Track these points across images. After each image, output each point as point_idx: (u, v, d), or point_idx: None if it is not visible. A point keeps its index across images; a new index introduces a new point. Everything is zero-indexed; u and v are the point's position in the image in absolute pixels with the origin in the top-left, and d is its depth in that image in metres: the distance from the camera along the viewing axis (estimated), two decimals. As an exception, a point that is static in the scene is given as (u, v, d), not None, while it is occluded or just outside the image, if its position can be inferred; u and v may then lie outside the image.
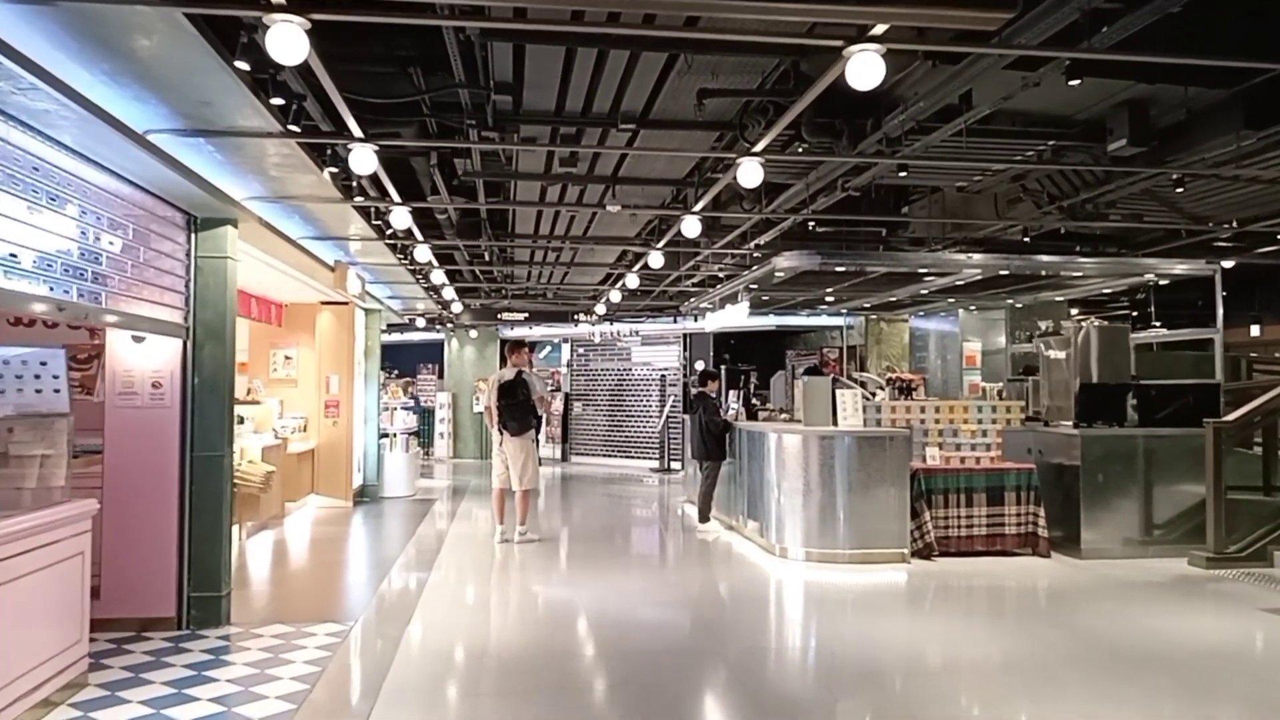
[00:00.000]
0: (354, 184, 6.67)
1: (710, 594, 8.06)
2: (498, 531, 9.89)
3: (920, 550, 8.92)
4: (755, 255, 10.21)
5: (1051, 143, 6.86)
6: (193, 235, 6.39)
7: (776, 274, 9.52)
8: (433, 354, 23.07)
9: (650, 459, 19.04)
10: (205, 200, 6.07)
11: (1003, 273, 9.66)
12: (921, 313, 14.63)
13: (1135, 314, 15.52)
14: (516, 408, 9.55)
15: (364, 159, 5.28)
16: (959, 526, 9.15)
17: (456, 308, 15.08)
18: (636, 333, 19.77)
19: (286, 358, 12.97)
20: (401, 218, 7.14)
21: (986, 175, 7.72)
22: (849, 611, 7.30)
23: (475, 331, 21.30)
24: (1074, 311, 13.30)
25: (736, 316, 11.48)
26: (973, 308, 13.33)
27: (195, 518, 6.36)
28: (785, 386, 18.89)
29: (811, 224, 9.27)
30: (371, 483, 13.84)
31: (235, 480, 9.73)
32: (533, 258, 11.28)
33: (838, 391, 9.41)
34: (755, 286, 10.70)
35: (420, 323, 18.17)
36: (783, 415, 11.20)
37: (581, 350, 21.15)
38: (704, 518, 10.72)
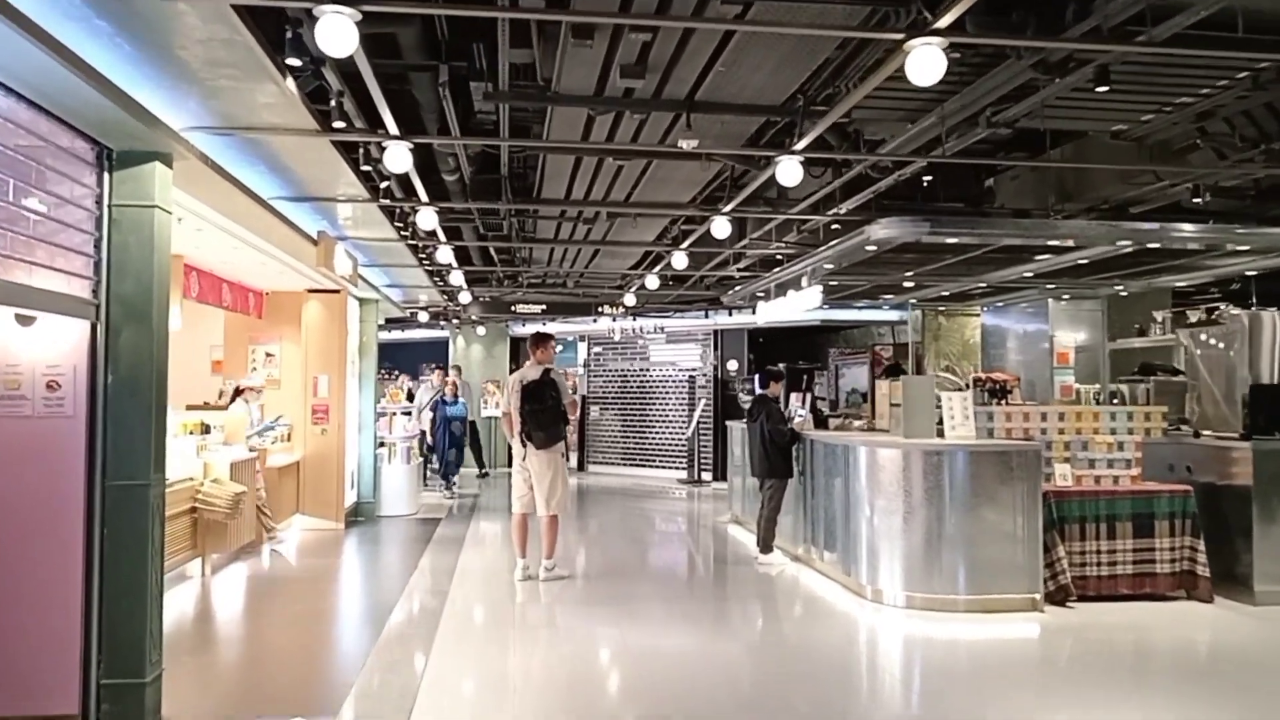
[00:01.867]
0: (331, 104, 4.82)
1: (792, 658, 6.18)
2: (519, 567, 8.05)
3: (1054, 593, 7.08)
4: (833, 227, 8.36)
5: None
6: (106, 175, 4.55)
7: (867, 248, 7.66)
8: (437, 353, 21.21)
9: (677, 469, 17.18)
10: (121, 123, 4.23)
11: (1152, 246, 7.78)
12: (1000, 303, 12.75)
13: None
14: (544, 414, 7.74)
15: (337, 33, 3.42)
16: (1099, 564, 7.31)
17: (465, 298, 13.22)
18: (661, 329, 17.91)
19: (268, 355, 11.13)
20: (399, 157, 5.28)
21: (1166, 111, 5.85)
22: (975, 683, 5.47)
23: (483, 328, 19.46)
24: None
25: (802, 304, 9.63)
26: (1067, 297, 11.46)
27: (109, 574, 4.52)
28: (828, 389, 17.11)
29: (928, 179, 7.40)
30: (367, 500, 11.99)
31: (197, 505, 7.93)
32: (558, 233, 9.41)
33: (943, 395, 7.56)
34: (830, 266, 8.85)
35: (423, 317, 16.30)
36: (856, 423, 9.34)
37: (599, 349, 19.30)
38: (767, 547, 8.87)
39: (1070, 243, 7.90)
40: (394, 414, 12.77)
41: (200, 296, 8.96)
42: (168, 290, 4.83)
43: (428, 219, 6.93)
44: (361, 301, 12.12)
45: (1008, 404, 8.23)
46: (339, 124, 4.97)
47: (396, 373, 22.81)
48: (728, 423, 12.20)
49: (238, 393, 9.59)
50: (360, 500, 11.95)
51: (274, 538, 9.01)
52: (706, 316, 17.03)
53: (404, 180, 6.70)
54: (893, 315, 16.12)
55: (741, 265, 11.31)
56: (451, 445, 14.01)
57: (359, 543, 10.31)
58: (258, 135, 4.97)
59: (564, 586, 7.86)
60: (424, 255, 9.54)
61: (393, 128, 5.00)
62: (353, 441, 11.64)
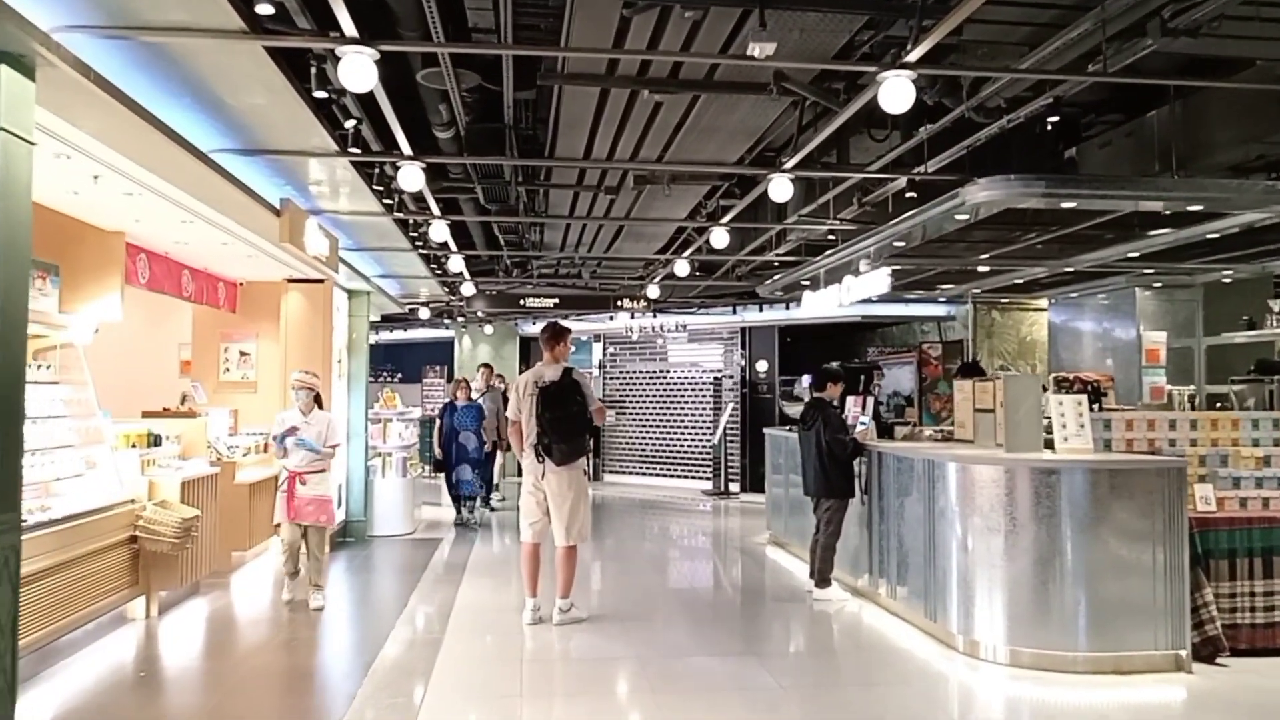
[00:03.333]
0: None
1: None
2: (528, 607, 6.63)
3: (1199, 647, 5.63)
4: (908, 195, 6.91)
5: None
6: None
7: (957, 216, 6.21)
8: (441, 354, 19.86)
9: (702, 479, 15.73)
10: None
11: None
12: (1074, 293, 11.24)
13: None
14: (567, 423, 6.37)
15: None
16: (1253, 609, 5.86)
17: (468, 289, 11.79)
18: (683, 327, 16.47)
19: (242, 354, 9.76)
20: (360, 72, 3.84)
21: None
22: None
23: (490, 326, 18.07)
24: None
25: (864, 290, 8.16)
26: (1159, 285, 9.96)
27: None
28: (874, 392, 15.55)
29: (1052, 120, 5.94)
30: (357, 518, 10.59)
31: (137, 533, 6.54)
32: (574, 207, 7.96)
33: (1052, 399, 6.12)
34: (901, 244, 7.39)
35: (424, 314, 14.91)
36: (927, 432, 7.87)
37: (615, 349, 17.87)
38: (823, 580, 7.42)
39: (1222, 209, 6.40)
40: (388, 420, 11.37)
41: (153, 284, 7.59)
42: (26, 255, 3.43)
43: (411, 178, 5.50)
44: (350, 294, 10.72)
45: (1101, 408, 6.78)
46: (272, 29, 3.55)
47: (401, 376, 21.53)
48: (765, 430, 10.75)
49: (181, 401, 8.30)
50: (349, 519, 10.56)
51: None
52: (734, 313, 15.57)
53: (383, 132, 5.30)
54: (938, 310, 14.64)
55: (783, 250, 9.86)
56: (459, 461, 11.27)
57: (343, 571, 8.90)
58: (163, 40, 3.56)
59: (581, 633, 6.44)
60: (416, 235, 8.13)
61: (350, 28, 3.59)
62: (340, 452, 10.21)
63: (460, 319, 17.27)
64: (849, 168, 6.45)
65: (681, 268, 9.75)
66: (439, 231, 7.30)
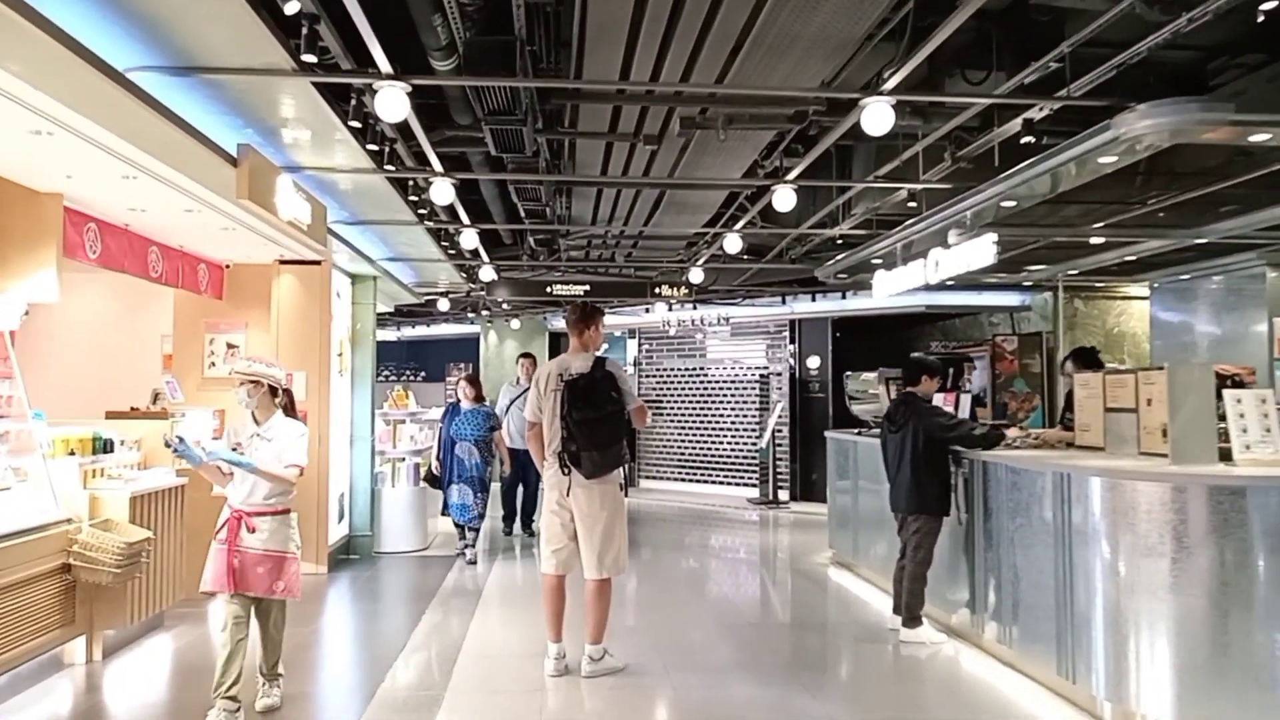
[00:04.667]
0: None
1: None
2: (551, 654, 5.33)
3: None
4: (1024, 140, 5.51)
5: None
6: None
7: (1102, 160, 4.79)
8: (466, 351, 18.66)
9: (747, 486, 14.34)
10: None
11: None
12: (1185, 275, 9.72)
13: None
14: (600, 426, 5.12)
15: None
16: None
17: (487, 274, 10.49)
18: (725, 320, 15.10)
19: (230, 347, 8.54)
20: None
21: None
22: None
23: (517, 321, 16.82)
24: None
25: (964, 263, 6.73)
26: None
27: None
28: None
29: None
30: (362, 533, 9.36)
31: (71, 560, 5.33)
32: (606, 164, 6.61)
33: (1227, 397, 4.72)
34: (1012, 203, 5.98)
35: (443, 305, 13.66)
36: (1032, 435, 6.45)
37: (651, 345, 16.54)
38: (912, 616, 6.05)
39: None
40: (399, 422, 10.13)
41: (107, 260, 6.38)
42: None
43: (392, 105, 4.19)
44: (354, 278, 9.50)
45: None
46: None
47: (423, 374, 20.39)
48: (828, 434, 9.37)
49: (153, 399, 7.06)
50: (353, 534, 9.33)
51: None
52: (783, 303, 14.17)
53: (358, 49, 4.02)
54: (1010, 299, 13.16)
55: (849, 225, 8.48)
56: (454, 478, 8.86)
57: (338, 598, 7.66)
58: None
59: (617, 689, 5.12)
60: (418, 201, 6.84)
61: None
62: (341, 458, 9.03)
63: (485, 312, 16.03)
64: (973, 91, 5.05)
65: (732, 242, 8.36)
66: (442, 192, 5.98)
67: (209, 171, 4.91)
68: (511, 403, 10.25)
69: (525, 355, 10.67)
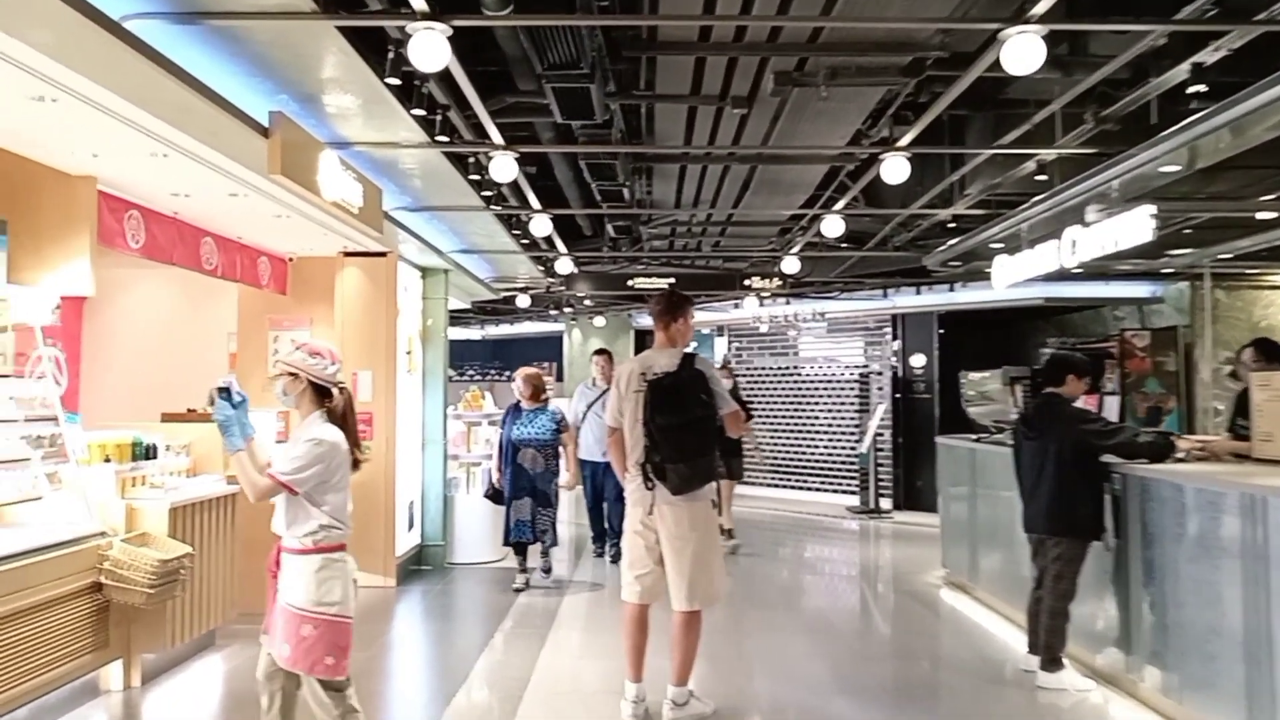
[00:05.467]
0: None
1: None
2: (629, 695, 4.62)
3: None
4: (1192, 90, 4.56)
5: None
6: None
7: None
8: (549, 349, 18.16)
9: (845, 493, 13.39)
10: None
11: None
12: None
13: None
14: (687, 432, 4.42)
15: None
16: None
17: (564, 266, 9.82)
18: (821, 315, 14.20)
19: (295, 345, 8.04)
20: None
21: None
22: None
23: (602, 318, 16.22)
24: None
25: (1110, 240, 5.76)
26: None
27: None
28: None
29: None
30: (434, 542, 8.83)
31: (102, 579, 4.84)
32: (690, 133, 5.85)
33: None
34: (1177, 166, 5.01)
35: (523, 301, 13.11)
36: (1186, 440, 5.44)
37: (741, 343, 15.73)
38: (1051, 656, 5.15)
39: None
40: (473, 425, 9.57)
41: (152, 251, 5.92)
42: None
43: (430, 51, 3.51)
44: (424, 272, 8.97)
45: None
46: None
47: (507, 371, 19.98)
48: (939, 439, 8.43)
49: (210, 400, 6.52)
50: (425, 543, 8.81)
51: None
52: (885, 296, 13.19)
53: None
54: (1138, 290, 11.92)
55: (965, 205, 7.55)
56: (517, 491, 7.54)
57: (402, 616, 7.11)
58: None
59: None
60: (479, 179, 6.19)
61: None
62: (411, 463, 8.51)
63: (568, 309, 15.46)
64: (1144, 24, 4.12)
65: (832, 225, 7.48)
66: (504, 167, 5.31)
67: (233, 141, 4.34)
68: (589, 407, 8.78)
69: (600, 352, 9.13)
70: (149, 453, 5.56)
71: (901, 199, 7.95)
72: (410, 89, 4.40)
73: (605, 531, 8.81)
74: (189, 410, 7.17)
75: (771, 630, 6.66)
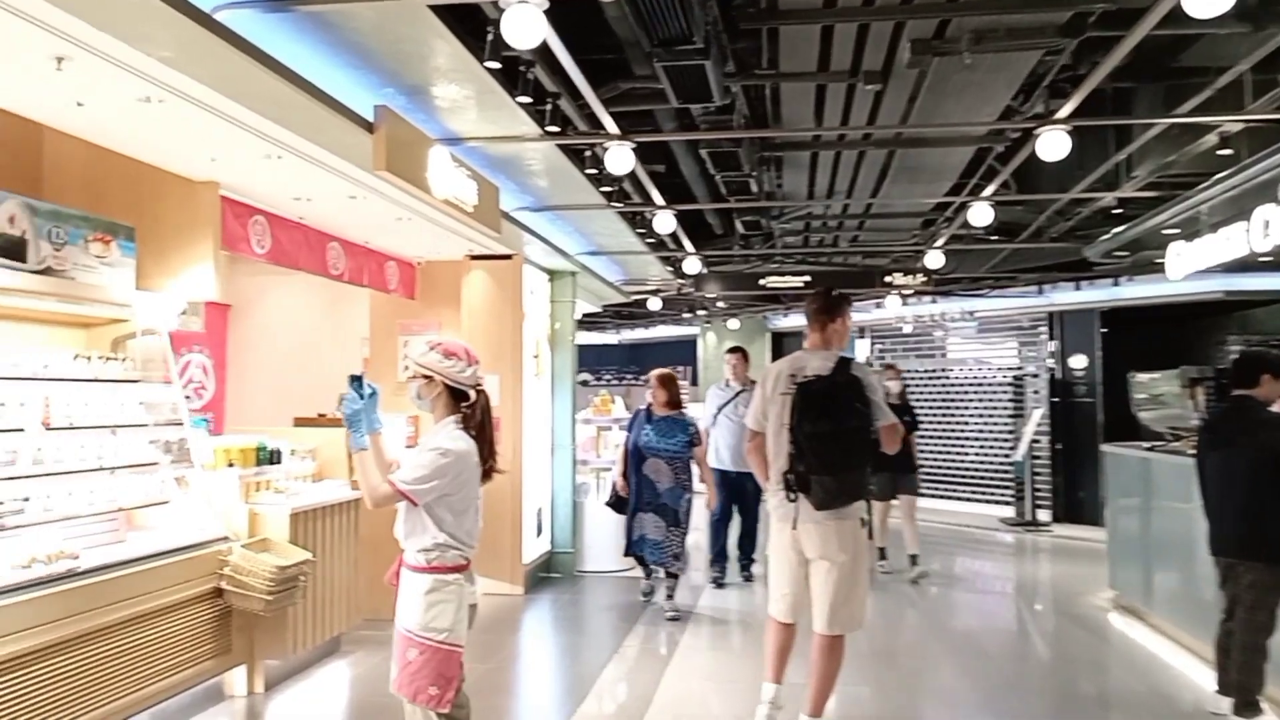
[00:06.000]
0: None
1: None
2: (765, 698, 4.27)
3: None
4: None
5: None
6: None
7: None
8: (683, 353, 17.89)
9: (999, 503, 12.52)
10: None
11: None
12: None
13: None
14: (834, 443, 4.04)
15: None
16: None
17: (692, 266, 9.47)
18: (970, 314, 13.38)
19: (429, 344, 8.03)
20: None
21: None
22: None
23: (736, 321, 15.83)
24: None
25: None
26: None
27: None
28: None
29: None
30: (564, 549, 8.67)
31: (224, 586, 4.83)
32: (820, 112, 5.41)
33: None
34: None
35: (654, 304, 12.87)
36: None
37: (883, 345, 15.03)
38: (1246, 700, 4.46)
39: None
40: (603, 429, 9.38)
41: (278, 256, 5.96)
42: None
43: (524, 24, 3.22)
44: (552, 274, 8.83)
45: None
46: None
47: (645, 379, 19.86)
48: (1105, 448, 7.65)
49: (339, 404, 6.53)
50: (554, 550, 8.66)
51: None
52: (1040, 293, 12.28)
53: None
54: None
55: (1133, 187, 6.81)
56: (642, 504, 6.90)
57: (528, 627, 6.95)
58: None
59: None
60: (597, 173, 5.92)
61: None
62: (539, 468, 8.38)
63: (701, 312, 15.14)
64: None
65: (980, 213, 6.82)
66: (619, 159, 5.00)
67: (339, 138, 4.23)
68: (719, 410, 7.94)
69: (734, 350, 8.24)
70: (273, 457, 5.56)
71: (1059, 183, 7.25)
72: (516, 76, 4.18)
73: (724, 554, 8.01)
74: (319, 415, 7.24)
75: (919, 654, 6.13)
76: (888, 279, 10.19)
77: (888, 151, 6.44)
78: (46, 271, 4.40)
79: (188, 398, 6.50)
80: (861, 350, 15.22)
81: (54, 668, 3.81)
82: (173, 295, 5.10)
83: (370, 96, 4.30)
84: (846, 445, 4.06)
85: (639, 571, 7.55)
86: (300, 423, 6.81)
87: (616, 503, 7.24)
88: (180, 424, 5.09)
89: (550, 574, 8.48)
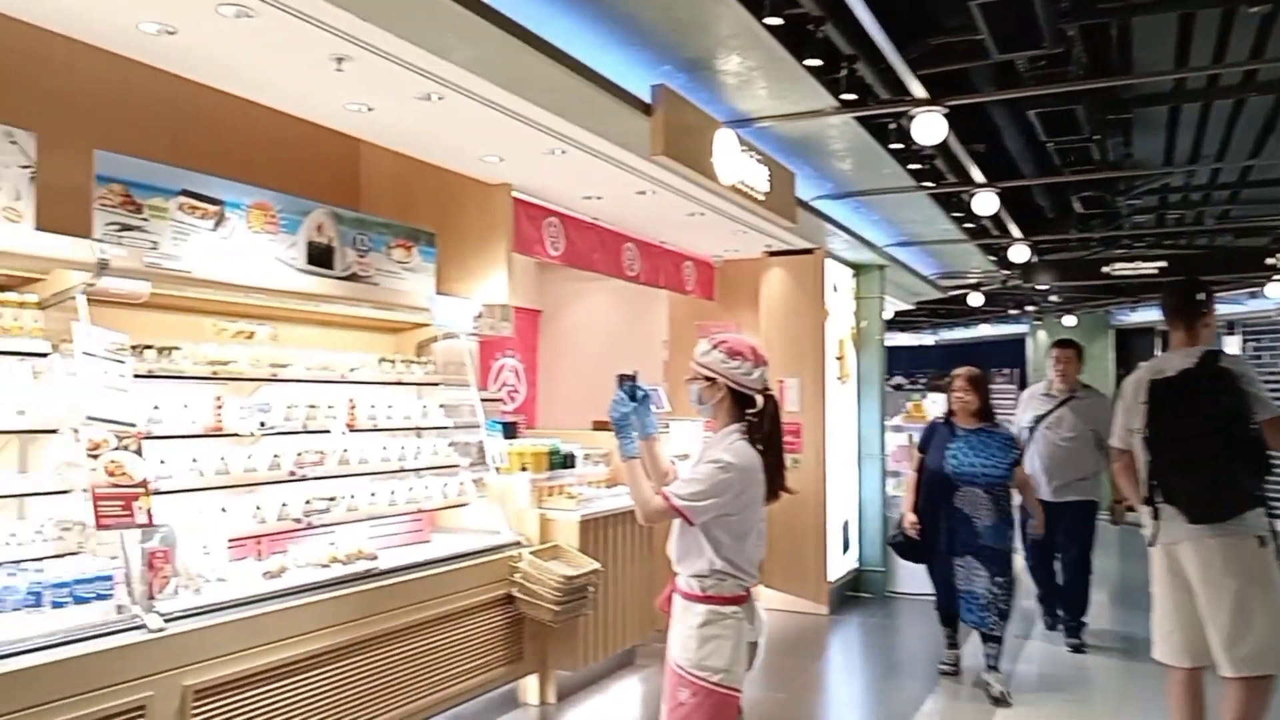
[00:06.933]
0: None
1: None
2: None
3: None
4: None
5: None
6: None
7: None
8: (1010, 355, 16.36)
9: None
10: None
11: None
12: None
13: None
14: (1197, 443, 3.42)
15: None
16: None
17: (1019, 254, 8.30)
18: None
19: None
20: None
21: None
22: None
23: (1072, 317, 14.15)
24: None
25: None
26: None
27: None
28: None
29: None
30: (872, 566, 8.00)
31: (515, 593, 4.77)
32: (1183, 58, 4.38)
33: None
34: None
35: (974, 299, 11.71)
36: None
37: (1259, 341, 12.71)
38: None
39: None
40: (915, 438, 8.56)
41: (573, 257, 5.92)
42: None
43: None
44: (857, 269, 8.21)
45: None
46: None
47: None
48: None
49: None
50: (862, 568, 8.02)
51: None
52: None
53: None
54: None
55: None
56: (955, 546, 5.13)
57: (834, 648, 6.39)
58: None
59: None
60: (903, 149, 5.20)
61: None
62: (844, 479, 7.79)
63: (1030, 307, 13.66)
64: None
65: None
66: (929, 128, 4.24)
67: (615, 123, 3.96)
68: (1038, 421, 6.18)
69: (1063, 344, 6.39)
70: (566, 462, 5.47)
71: None
72: (804, 40, 3.67)
73: (1057, 590, 6.32)
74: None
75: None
76: (1270, 261, 8.43)
77: (1275, 98, 5.12)
78: (352, 278, 4.55)
79: (500, 400, 6.69)
80: (1231, 349, 13.00)
81: (352, 667, 3.86)
82: (470, 299, 5.14)
83: (647, 75, 4.01)
84: (1212, 444, 3.39)
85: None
86: (598, 426, 6.75)
87: (905, 545, 5.51)
88: (477, 426, 5.12)
89: (858, 593, 7.85)
